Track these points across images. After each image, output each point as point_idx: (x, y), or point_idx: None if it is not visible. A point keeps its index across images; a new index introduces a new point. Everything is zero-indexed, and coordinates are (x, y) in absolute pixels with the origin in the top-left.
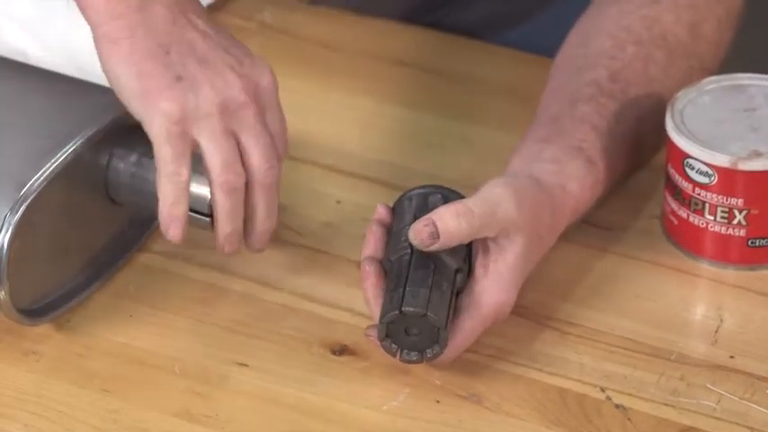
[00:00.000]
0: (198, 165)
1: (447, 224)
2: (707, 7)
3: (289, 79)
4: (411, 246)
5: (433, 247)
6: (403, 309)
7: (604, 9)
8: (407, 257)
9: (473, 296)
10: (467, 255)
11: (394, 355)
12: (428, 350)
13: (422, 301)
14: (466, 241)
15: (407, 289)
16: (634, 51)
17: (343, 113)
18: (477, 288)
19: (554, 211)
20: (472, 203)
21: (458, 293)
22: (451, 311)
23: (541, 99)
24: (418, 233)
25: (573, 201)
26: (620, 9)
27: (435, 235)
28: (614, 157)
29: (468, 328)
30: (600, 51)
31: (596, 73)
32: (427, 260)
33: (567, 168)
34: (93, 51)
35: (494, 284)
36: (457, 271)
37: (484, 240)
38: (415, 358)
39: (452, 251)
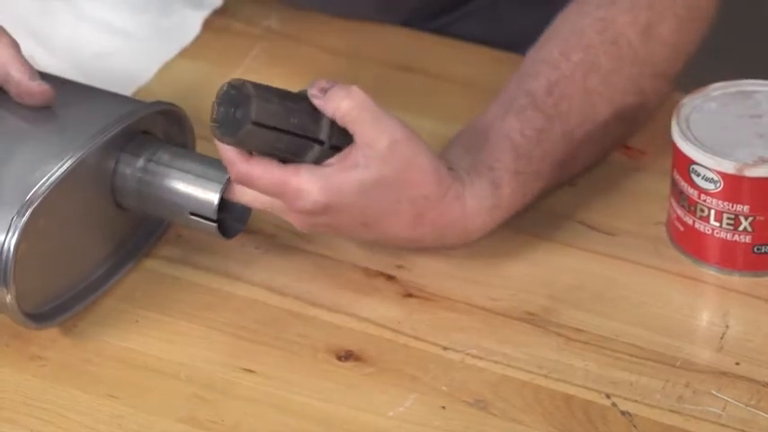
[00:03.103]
0: (205, 169)
1: (337, 92)
2: (665, 6)
3: (294, 85)
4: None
5: (315, 102)
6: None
7: (569, 8)
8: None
9: (298, 166)
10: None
11: (214, 133)
12: (225, 123)
13: (258, 90)
14: (339, 122)
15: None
16: (579, 59)
17: None
18: (306, 167)
19: (428, 204)
20: (370, 102)
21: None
22: (281, 122)
23: (495, 96)
24: (316, 82)
25: (462, 214)
26: (579, 10)
27: (323, 91)
28: (526, 182)
29: (271, 169)
30: (545, 58)
31: (536, 83)
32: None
33: (473, 182)
34: (99, 57)
35: (317, 174)
36: (319, 141)
37: (350, 148)
38: (214, 127)
39: (333, 133)
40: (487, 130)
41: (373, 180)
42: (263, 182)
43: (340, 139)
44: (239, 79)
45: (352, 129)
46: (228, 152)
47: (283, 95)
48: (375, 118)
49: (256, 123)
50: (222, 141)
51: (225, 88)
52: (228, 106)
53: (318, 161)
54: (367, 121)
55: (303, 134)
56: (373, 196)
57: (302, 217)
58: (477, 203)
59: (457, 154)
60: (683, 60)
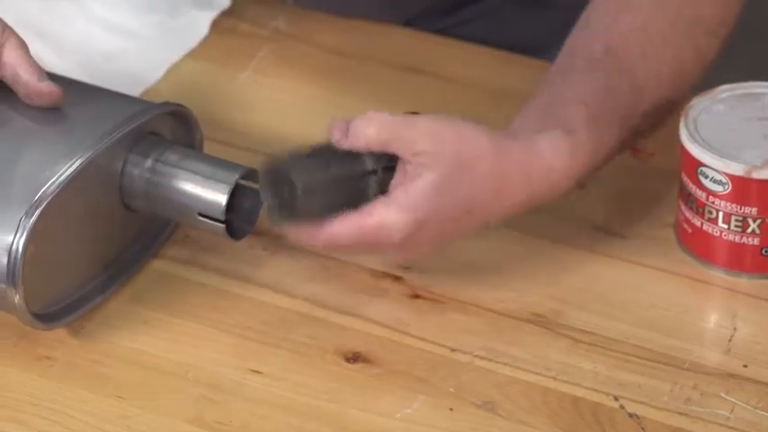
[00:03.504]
0: (213, 169)
1: (357, 125)
2: None
3: (301, 85)
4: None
5: (345, 145)
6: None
7: None
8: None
9: (370, 206)
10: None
11: (276, 224)
12: (279, 207)
13: (290, 159)
14: (375, 148)
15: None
16: (630, 21)
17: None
18: (378, 201)
19: (500, 160)
20: (392, 116)
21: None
22: (330, 190)
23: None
24: (332, 127)
25: (539, 164)
26: None
27: (345, 132)
28: (602, 127)
29: (346, 222)
30: (596, 23)
31: (594, 45)
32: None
33: (540, 132)
34: (106, 57)
35: (389, 202)
36: (370, 172)
37: (403, 164)
38: (273, 215)
39: (379, 158)
40: (549, 93)
41: (441, 176)
42: (346, 237)
43: (387, 158)
44: (268, 160)
45: (391, 149)
46: (302, 233)
47: (313, 153)
48: (405, 126)
49: (306, 191)
50: (288, 225)
51: (263, 175)
52: (274, 190)
53: (383, 189)
54: (400, 135)
55: (352, 175)
56: (451, 189)
57: (404, 247)
58: (552, 147)
59: (521, 123)
60: (732, 21)
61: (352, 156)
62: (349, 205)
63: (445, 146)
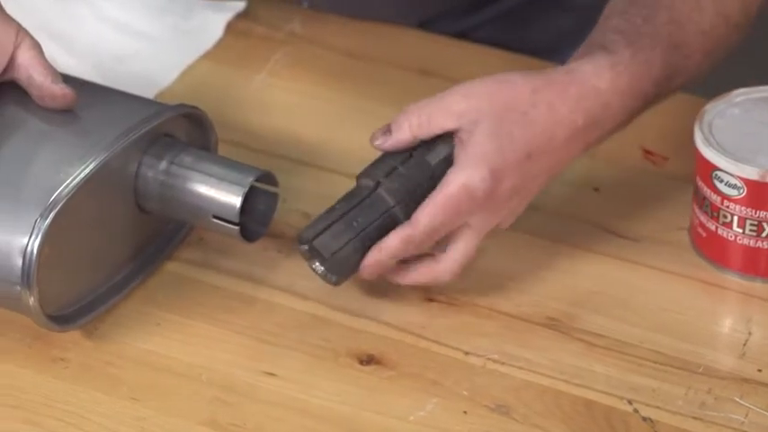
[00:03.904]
0: (227, 172)
1: (397, 119)
2: None
3: (316, 88)
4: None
5: (388, 143)
6: (302, 236)
7: None
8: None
9: (444, 179)
10: (413, 193)
11: (307, 260)
12: (327, 272)
13: (319, 236)
14: (420, 132)
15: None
16: None
17: (369, 122)
18: (448, 172)
19: (539, 89)
20: (422, 102)
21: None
22: (359, 243)
23: None
24: (373, 136)
25: (581, 80)
26: None
27: (387, 131)
28: (644, 49)
29: (431, 204)
30: None
31: None
32: (359, 195)
33: (578, 59)
34: (121, 59)
35: (457, 166)
36: (392, 207)
37: (458, 138)
38: (318, 271)
39: (396, 189)
40: (590, 36)
41: (490, 124)
42: (434, 215)
43: (404, 197)
44: (300, 235)
45: (433, 126)
46: (380, 267)
47: (338, 210)
48: (439, 99)
49: (334, 254)
50: (345, 278)
51: (301, 251)
52: (314, 259)
53: (408, 215)
54: (437, 107)
55: (375, 220)
56: (504, 133)
57: (489, 207)
58: (594, 66)
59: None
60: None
61: (371, 200)
62: (358, 239)
63: (481, 98)
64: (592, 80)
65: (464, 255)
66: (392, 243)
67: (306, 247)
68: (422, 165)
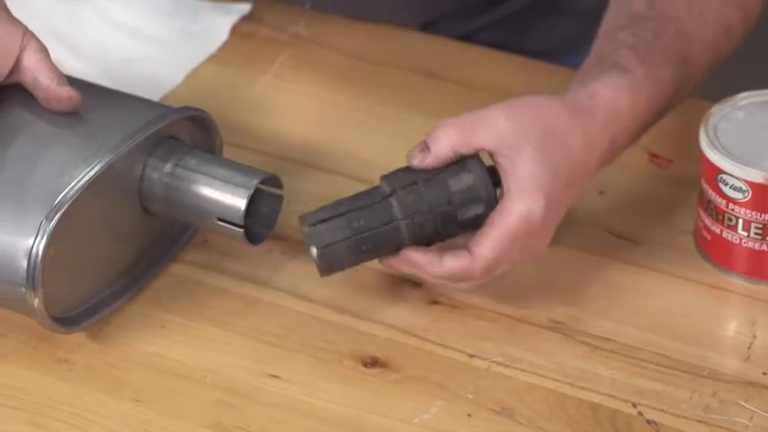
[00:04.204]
0: (232, 174)
1: (436, 134)
2: None
3: (320, 89)
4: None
5: (428, 160)
6: (303, 218)
7: None
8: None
9: (500, 209)
10: (423, 214)
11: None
12: (317, 260)
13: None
14: (461, 148)
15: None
16: None
17: (373, 124)
18: (503, 201)
19: (575, 115)
20: (463, 115)
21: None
22: (353, 243)
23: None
24: (410, 154)
25: (605, 105)
26: None
27: (424, 149)
28: (657, 67)
29: (495, 237)
30: None
31: (634, 5)
32: (372, 196)
33: (596, 79)
34: (126, 62)
35: (516, 192)
36: (397, 220)
37: (498, 162)
38: (312, 255)
39: (408, 204)
40: (598, 51)
41: (535, 149)
42: (499, 248)
43: (413, 214)
44: (303, 216)
45: (475, 143)
46: (410, 263)
47: (345, 205)
48: (480, 117)
49: (326, 246)
50: (330, 272)
51: (302, 231)
52: (310, 244)
53: (413, 233)
54: (479, 124)
55: (376, 227)
56: (549, 159)
57: (543, 234)
58: (612, 88)
59: (579, 81)
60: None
61: (380, 207)
62: (378, 251)
63: (525, 119)
64: (614, 104)
65: (493, 256)
66: (446, 271)
67: (306, 229)
68: (443, 188)
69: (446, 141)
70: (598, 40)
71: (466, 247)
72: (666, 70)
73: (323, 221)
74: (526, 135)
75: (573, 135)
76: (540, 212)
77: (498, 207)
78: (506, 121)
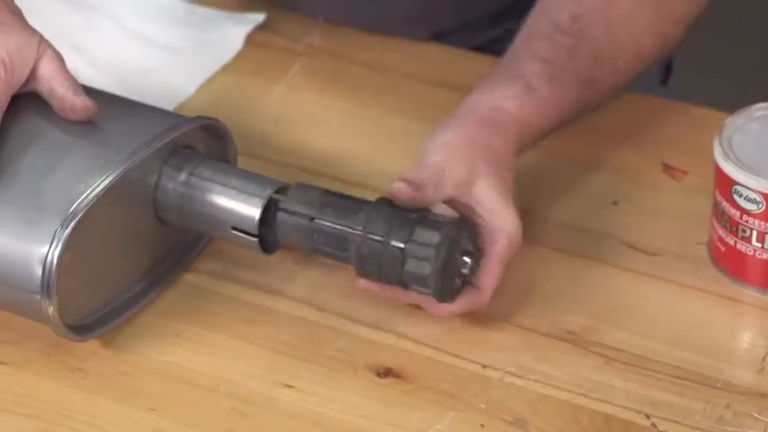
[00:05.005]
0: (246, 183)
1: (398, 197)
2: None
3: (334, 100)
4: None
5: (423, 200)
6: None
7: None
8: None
9: (489, 239)
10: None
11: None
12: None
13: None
14: (430, 203)
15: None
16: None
17: (386, 133)
18: (484, 233)
19: (498, 133)
20: (423, 174)
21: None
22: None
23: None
24: (398, 191)
25: (514, 119)
26: None
27: (415, 186)
28: (562, 86)
29: (495, 268)
30: (564, 2)
31: (559, 15)
32: (355, 208)
33: (504, 93)
34: (141, 71)
35: (494, 221)
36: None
37: (460, 203)
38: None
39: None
40: (512, 54)
41: (489, 177)
42: (500, 271)
43: (382, 232)
44: (297, 181)
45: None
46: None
47: (323, 194)
48: (439, 170)
49: (290, 214)
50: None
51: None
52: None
53: (367, 246)
54: (441, 179)
55: (341, 225)
56: (502, 179)
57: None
58: (519, 103)
59: (482, 81)
60: (701, 11)
61: (352, 208)
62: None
63: (466, 159)
64: (518, 115)
65: (497, 281)
66: (458, 309)
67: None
68: (398, 263)
69: (411, 203)
70: (516, 43)
71: (468, 283)
72: (572, 91)
73: (301, 193)
74: (478, 170)
75: (493, 139)
76: (518, 222)
77: (487, 238)
78: (457, 165)
